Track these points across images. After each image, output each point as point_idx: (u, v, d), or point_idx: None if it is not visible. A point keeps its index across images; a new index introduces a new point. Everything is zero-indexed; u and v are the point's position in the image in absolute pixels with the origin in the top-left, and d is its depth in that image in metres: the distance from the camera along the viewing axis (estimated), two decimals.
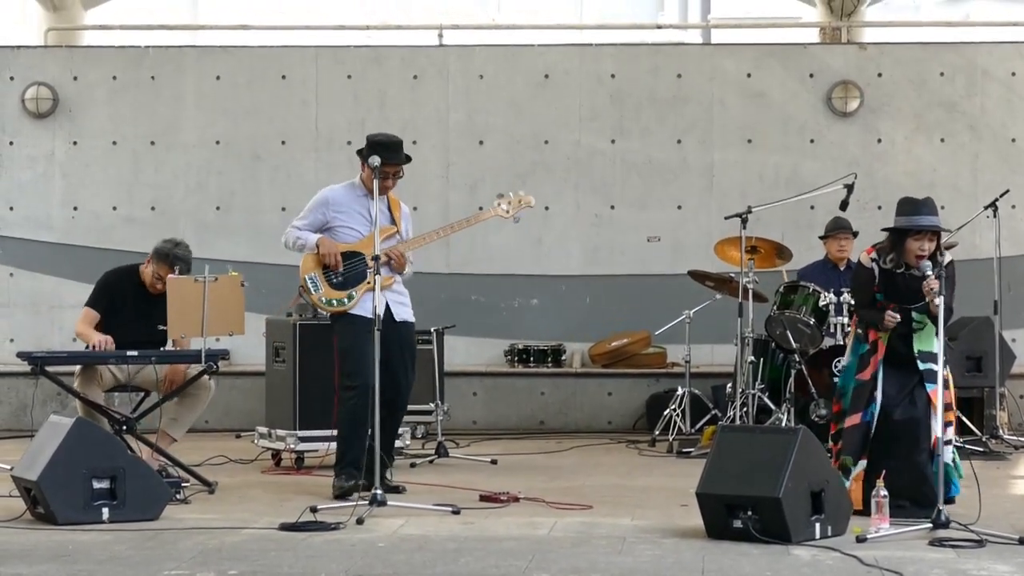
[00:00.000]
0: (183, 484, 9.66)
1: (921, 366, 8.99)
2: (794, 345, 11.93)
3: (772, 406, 12.03)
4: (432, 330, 12.14)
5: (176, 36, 16.82)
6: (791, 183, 14.05)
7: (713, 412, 12.72)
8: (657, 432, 12.77)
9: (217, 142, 14.61)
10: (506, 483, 10.13)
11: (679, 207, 14.47)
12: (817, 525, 8.12)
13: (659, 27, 18.66)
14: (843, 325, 11.81)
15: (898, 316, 8.97)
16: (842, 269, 12.46)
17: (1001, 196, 12.53)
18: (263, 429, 11.57)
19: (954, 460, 9.07)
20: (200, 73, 14.65)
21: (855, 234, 12.54)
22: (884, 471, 8.78)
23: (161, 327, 10.19)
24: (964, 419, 12.16)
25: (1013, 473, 11.20)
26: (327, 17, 17.47)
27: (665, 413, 12.75)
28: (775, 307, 12.07)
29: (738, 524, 8.06)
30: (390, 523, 8.65)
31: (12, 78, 14.65)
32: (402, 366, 9.88)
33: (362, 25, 16.14)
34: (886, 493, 8.43)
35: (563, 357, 14.32)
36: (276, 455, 11.41)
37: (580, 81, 14.55)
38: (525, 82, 14.57)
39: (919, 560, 7.62)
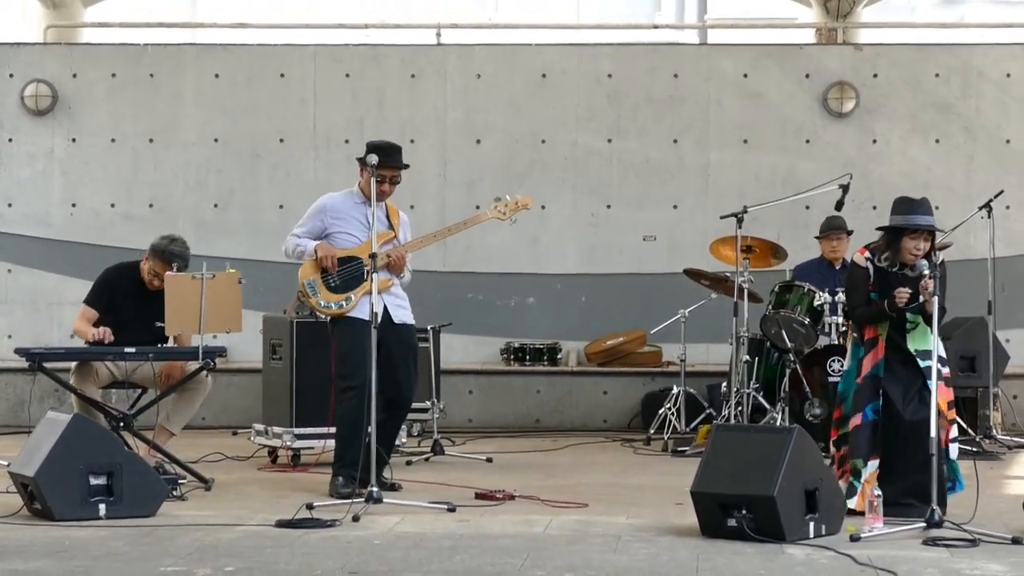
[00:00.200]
0: (180, 481, 9.64)
1: (921, 364, 8.97)
2: (789, 344, 11.92)
3: (767, 405, 12.02)
4: (429, 328, 12.12)
5: (175, 34, 16.83)
6: (787, 183, 14.04)
7: (708, 411, 12.72)
8: (652, 431, 12.77)
9: (216, 140, 14.59)
10: (502, 481, 10.12)
11: (675, 207, 14.46)
12: (811, 524, 8.11)
13: (656, 27, 18.66)
14: (838, 324, 11.81)
15: (908, 290, 8.93)
16: (837, 268, 12.44)
17: (995, 197, 12.55)
18: (260, 426, 11.56)
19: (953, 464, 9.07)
20: (199, 71, 14.63)
21: (849, 233, 12.53)
22: (879, 471, 8.78)
23: (160, 324, 10.19)
24: (958, 419, 12.14)
25: (1007, 473, 11.20)
26: (326, 16, 17.47)
27: (660, 412, 12.75)
28: (770, 306, 12.06)
29: (732, 523, 8.06)
30: (386, 520, 8.64)
31: (11, 75, 14.64)
32: (404, 368, 9.87)
33: (361, 24, 16.15)
34: (880, 492, 8.42)
35: (559, 356, 14.32)
36: (273, 452, 11.41)
37: (577, 81, 14.54)
38: (523, 81, 14.56)
39: (913, 559, 7.61)
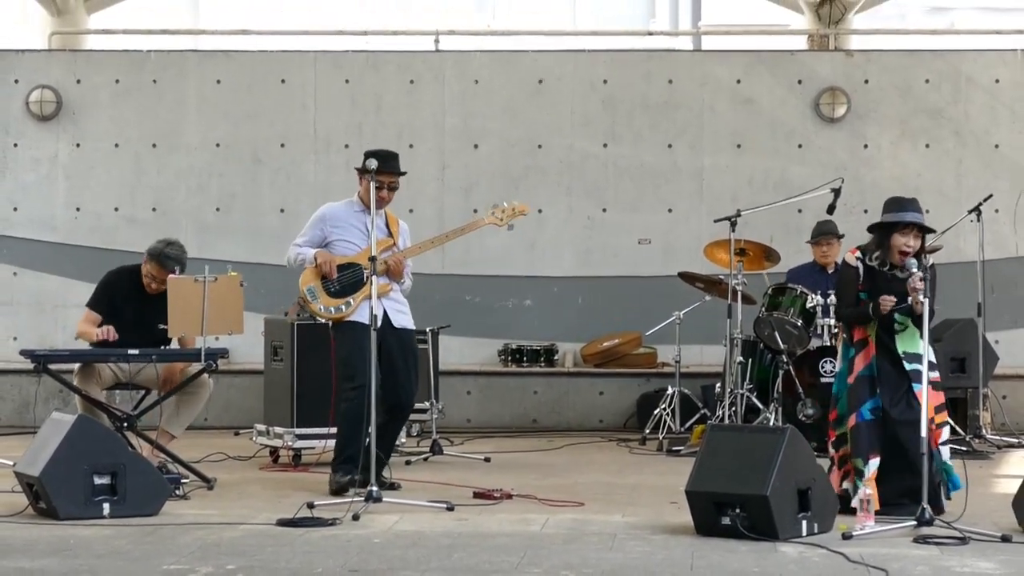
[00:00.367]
0: (182, 480, 9.64)
1: (907, 367, 8.97)
2: (782, 346, 11.92)
3: (760, 406, 12.03)
4: (427, 330, 12.12)
5: (178, 40, 16.81)
6: (779, 187, 14.05)
7: (702, 411, 12.72)
8: (647, 431, 12.77)
9: (218, 145, 14.59)
10: (499, 480, 10.12)
11: (670, 210, 14.47)
12: (804, 522, 8.12)
13: (650, 34, 18.66)
14: (830, 326, 11.82)
15: (893, 298, 8.94)
16: (829, 272, 12.45)
17: (984, 201, 12.54)
18: (261, 427, 11.56)
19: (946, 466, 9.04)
20: (201, 77, 14.64)
21: (840, 238, 12.53)
22: (874, 471, 8.78)
23: (163, 326, 10.19)
24: (949, 421, 12.14)
25: (996, 472, 11.21)
26: (326, 23, 17.48)
27: (655, 412, 12.74)
28: (763, 309, 12.07)
29: (727, 521, 8.06)
30: (385, 519, 8.64)
31: (17, 81, 14.64)
32: (405, 372, 9.88)
33: (360, 31, 16.14)
34: (871, 491, 8.44)
35: (556, 357, 14.32)
36: (274, 452, 11.41)
37: (573, 86, 14.55)
38: (519, 87, 14.56)
39: (903, 557, 7.62)
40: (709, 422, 11.86)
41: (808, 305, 11.87)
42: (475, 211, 13.58)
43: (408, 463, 11.23)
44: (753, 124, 14.44)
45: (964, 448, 11.99)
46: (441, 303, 13.90)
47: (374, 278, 9.31)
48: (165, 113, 14.60)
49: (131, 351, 10.03)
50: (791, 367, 11.95)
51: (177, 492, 9.34)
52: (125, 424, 9.93)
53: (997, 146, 14.35)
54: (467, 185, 14.47)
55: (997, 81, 14.38)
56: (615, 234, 14.45)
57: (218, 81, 14.62)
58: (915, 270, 8.72)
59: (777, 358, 12.06)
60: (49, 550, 7.76)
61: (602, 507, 9.27)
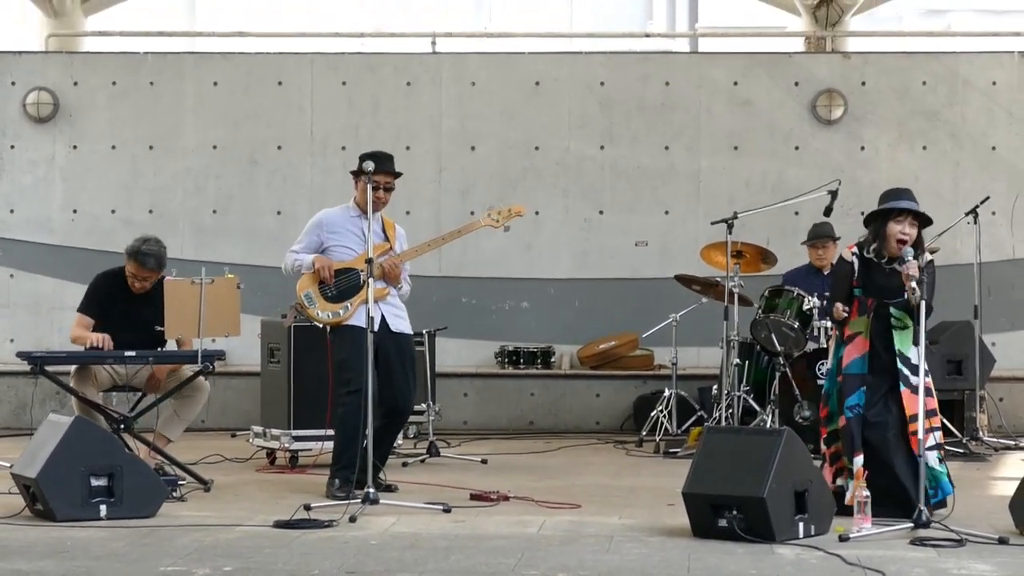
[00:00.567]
0: (179, 482, 9.64)
1: (899, 365, 8.95)
2: (779, 348, 11.92)
3: (757, 408, 12.03)
4: (424, 332, 12.13)
5: (175, 43, 16.83)
6: (777, 189, 14.06)
7: (699, 413, 12.72)
8: (644, 433, 12.77)
9: (214, 147, 14.60)
10: (496, 482, 10.12)
11: (667, 212, 14.48)
12: (801, 524, 8.12)
13: (648, 36, 18.69)
14: (826, 329, 11.81)
15: (847, 311, 8.95)
16: (826, 274, 12.45)
17: (981, 203, 12.56)
18: (258, 428, 11.57)
19: (942, 463, 8.99)
20: (198, 79, 14.64)
21: (836, 240, 12.53)
22: (867, 472, 8.77)
23: (159, 328, 10.18)
24: (945, 421, 12.15)
25: (993, 474, 11.22)
26: (323, 25, 17.48)
27: (652, 414, 12.74)
28: (760, 311, 12.07)
29: (723, 523, 8.06)
30: (382, 521, 8.64)
31: (13, 83, 14.65)
32: (403, 376, 9.87)
33: (357, 33, 16.16)
34: (868, 493, 8.42)
35: (552, 359, 14.32)
36: (271, 454, 11.41)
37: (570, 88, 14.55)
38: (516, 89, 14.57)
39: (900, 559, 7.62)
40: (706, 424, 11.87)
41: (805, 307, 11.87)
42: (472, 213, 13.59)
43: (405, 465, 11.23)
44: (750, 126, 14.46)
45: (961, 450, 12.01)
46: (438, 305, 13.90)
47: (371, 280, 9.31)
48: (162, 115, 14.60)
49: (128, 353, 10.03)
50: (788, 369, 11.95)
51: (174, 494, 9.34)
52: (122, 426, 9.93)
53: (994, 148, 14.36)
54: (464, 187, 14.48)
55: (994, 83, 14.40)
56: (612, 236, 14.46)
57: (215, 83, 14.63)
58: (910, 258, 8.71)
59: (774, 360, 12.06)
60: (46, 552, 7.76)
61: (599, 509, 9.27)
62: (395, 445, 11.07)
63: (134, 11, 16.66)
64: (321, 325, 10.04)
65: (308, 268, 9.92)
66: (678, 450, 12.06)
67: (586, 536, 8.30)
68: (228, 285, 10.04)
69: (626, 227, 14.46)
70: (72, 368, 10.35)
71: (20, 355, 10.08)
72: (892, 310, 8.97)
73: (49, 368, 10.02)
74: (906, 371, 8.90)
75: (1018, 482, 8.45)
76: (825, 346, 11.75)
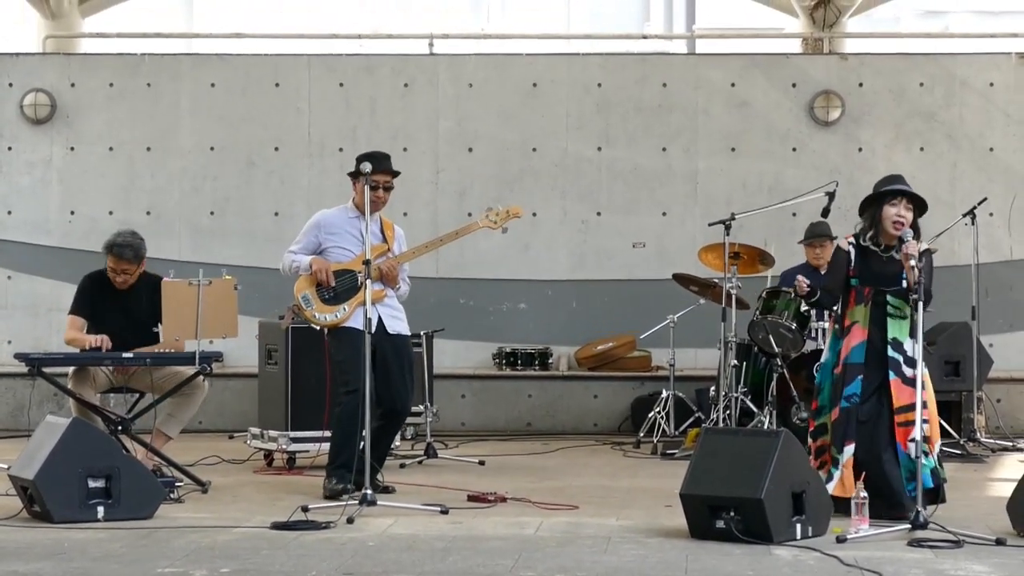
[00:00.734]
0: (177, 484, 9.64)
1: (889, 352, 8.94)
2: (776, 349, 11.93)
3: (754, 409, 12.03)
4: (422, 333, 12.14)
5: (172, 44, 16.81)
6: (774, 191, 14.07)
7: (696, 415, 12.72)
8: (642, 434, 12.78)
9: (212, 148, 14.61)
10: (493, 483, 10.13)
11: (664, 214, 14.48)
12: (798, 526, 8.12)
13: (645, 37, 18.66)
14: (824, 330, 11.82)
15: (806, 284, 9.00)
16: (822, 273, 12.45)
17: (979, 204, 12.57)
18: (255, 430, 11.57)
19: (936, 458, 8.92)
20: (195, 80, 14.65)
21: (833, 239, 12.54)
22: (864, 473, 8.77)
23: (155, 329, 10.19)
24: (943, 422, 12.16)
25: (990, 475, 11.22)
26: (320, 26, 17.47)
27: (650, 415, 12.75)
28: (757, 312, 12.08)
29: (721, 524, 8.06)
30: (380, 522, 8.64)
31: (11, 85, 14.65)
32: (400, 378, 9.86)
33: (354, 34, 16.15)
34: (866, 495, 8.42)
35: (550, 360, 14.32)
36: (268, 455, 11.41)
37: (568, 90, 14.56)
38: (514, 91, 14.58)
39: (898, 560, 7.62)
40: (703, 425, 11.87)
41: (802, 308, 11.88)
42: (469, 214, 13.60)
43: (402, 466, 11.23)
44: (747, 127, 14.47)
45: (958, 451, 12.02)
46: (435, 306, 13.91)
47: (368, 282, 9.31)
48: (159, 116, 14.61)
49: (125, 355, 10.03)
50: (785, 370, 11.96)
51: (171, 495, 9.34)
52: (119, 427, 9.94)
53: (991, 149, 14.38)
54: (461, 188, 14.48)
55: (991, 85, 14.41)
56: (609, 237, 14.46)
57: (212, 84, 14.63)
58: (909, 238, 8.72)
59: (771, 361, 12.06)
60: (43, 553, 7.76)
61: (596, 510, 9.28)
62: (393, 447, 11.07)
63: (131, 12, 16.65)
64: (318, 328, 10.04)
65: (305, 270, 9.92)
66: (675, 451, 12.06)
67: (583, 537, 8.30)
68: (225, 286, 10.04)
69: (623, 228, 14.46)
70: (70, 370, 10.36)
71: (18, 357, 10.07)
72: (889, 298, 8.95)
73: (46, 370, 10.01)
74: (899, 359, 8.88)
75: (1015, 483, 8.45)
76: (823, 347, 11.75)
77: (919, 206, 9.05)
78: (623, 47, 16.90)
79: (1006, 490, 8.73)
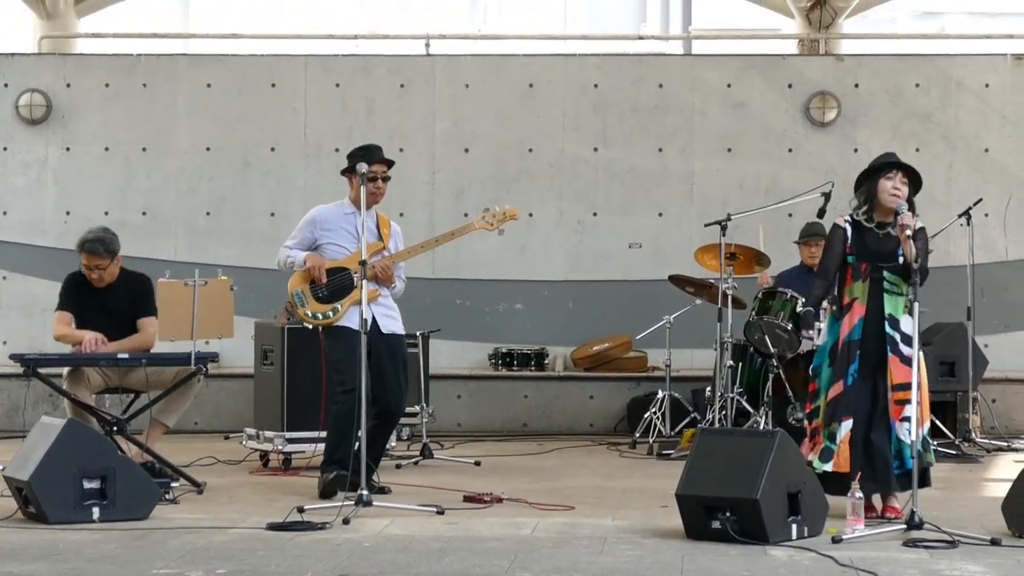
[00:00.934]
0: (172, 484, 9.63)
1: (887, 329, 8.93)
2: (772, 350, 11.94)
3: (750, 409, 12.04)
4: (418, 334, 12.13)
5: (168, 44, 16.82)
6: (770, 191, 14.08)
7: (692, 415, 12.74)
8: (638, 434, 12.78)
9: (208, 148, 14.60)
10: (490, 484, 10.13)
11: (660, 214, 14.49)
12: (794, 526, 8.12)
13: (641, 38, 18.68)
14: (819, 330, 11.80)
15: (815, 337, 9.04)
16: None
17: (974, 205, 12.59)
18: (251, 431, 11.56)
19: (924, 441, 8.84)
20: (191, 81, 14.64)
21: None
22: (860, 474, 8.77)
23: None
24: (938, 423, 12.18)
25: (985, 476, 11.23)
26: (316, 26, 17.47)
27: (645, 416, 12.76)
28: (753, 312, 12.08)
29: (717, 525, 8.06)
30: (376, 523, 8.64)
31: (6, 85, 14.64)
32: (394, 378, 9.85)
33: (350, 34, 16.14)
34: (861, 495, 8.43)
35: (546, 361, 14.32)
36: (264, 456, 11.40)
37: (564, 90, 14.56)
38: (510, 91, 14.58)
39: (893, 560, 7.63)
40: (699, 426, 11.88)
41: (798, 309, 11.87)
42: (466, 215, 13.60)
43: (398, 467, 11.23)
44: (744, 128, 14.47)
45: (954, 452, 12.03)
46: (432, 307, 13.91)
47: (364, 282, 9.31)
48: (155, 117, 14.60)
49: (121, 355, 10.04)
50: (781, 371, 11.96)
51: (167, 496, 9.33)
52: (115, 428, 9.94)
53: (987, 150, 14.38)
54: (458, 189, 14.48)
55: (987, 86, 14.42)
56: (606, 238, 14.47)
57: (208, 85, 14.63)
58: (905, 210, 8.73)
59: (767, 362, 12.07)
60: (39, 554, 7.75)
61: (592, 511, 9.28)
62: (389, 447, 11.07)
63: (127, 13, 16.64)
64: (310, 326, 10.03)
65: (300, 266, 9.90)
66: (671, 452, 12.07)
67: (579, 538, 8.30)
68: (221, 287, 10.04)
69: (620, 229, 14.47)
70: (64, 370, 10.36)
71: (13, 357, 10.08)
72: (886, 274, 8.95)
73: (42, 370, 10.01)
74: (896, 337, 8.87)
75: (1010, 484, 8.46)
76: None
77: (914, 183, 9.06)
78: (619, 48, 16.91)
79: (1001, 490, 8.74)
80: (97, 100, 14.63)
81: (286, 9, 22.72)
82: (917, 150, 14.33)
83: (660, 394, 12.75)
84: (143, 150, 14.60)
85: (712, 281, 12.37)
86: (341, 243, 9.95)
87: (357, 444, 9.31)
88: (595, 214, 14.51)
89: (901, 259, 8.86)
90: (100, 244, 10.50)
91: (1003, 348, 14.13)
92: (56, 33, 15.20)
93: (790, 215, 13.70)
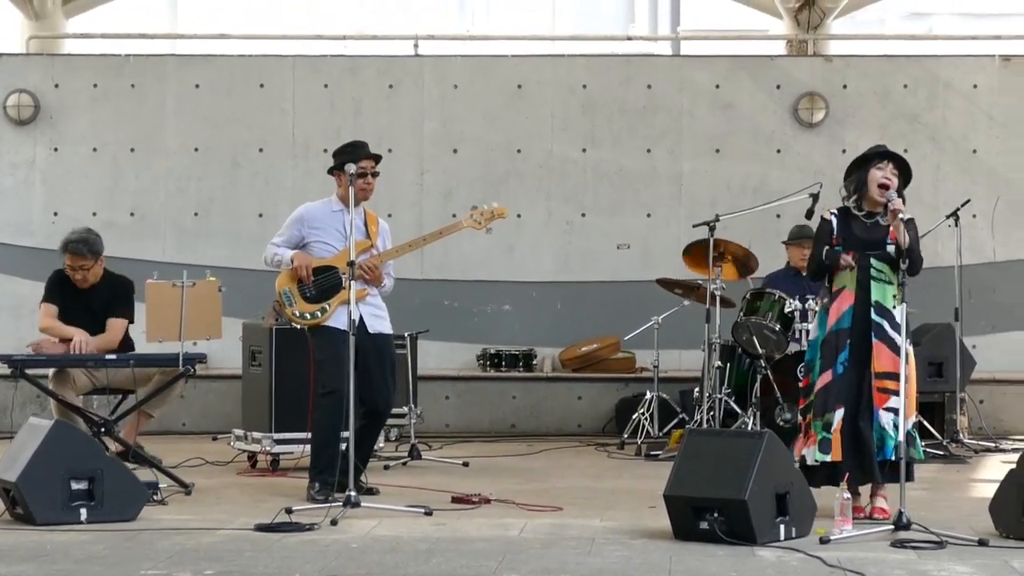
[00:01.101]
0: (160, 485, 9.63)
1: (872, 316, 8.93)
2: (760, 351, 11.96)
3: (738, 410, 12.05)
4: (406, 335, 12.14)
5: (156, 45, 16.79)
6: (758, 192, 14.08)
7: (680, 416, 12.74)
8: (626, 435, 12.78)
9: (196, 149, 14.59)
10: (478, 485, 10.13)
11: (649, 215, 14.49)
12: (782, 527, 8.14)
13: (630, 39, 18.68)
14: (807, 331, 11.84)
15: (853, 263, 8.95)
16: (805, 275, 12.47)
17: (962, 206, 12.60)
18: (239, 432, 11.55)
19: (909, 435, 8.82)
20: (180, 81, 14.63)
21: None
22: (847, 473, 8.77)
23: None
24: (926, 423, 12.20)
25: (973, 476, 11.25)
26: (305, 27, 17.46)
27: (634, 417, 12.77)
28: (741, 313, 12.10)
29: (705, 525, 8.08)
30: (363, 524, 8.65)
31: None
32: (380, 378, 9.83)
33: (339, 35, 16.14)
34: (849, 496, 8.45)
35: (534, 362, 14.32)
36: (252, 457, 11.39)
37: (552, 91, 14.57)
38: (499, 92, 14.58)
39: (881, 561, 7.64)
40: (687, 427, 11.88)
41: (786, 310, 11.91)
42: (454, 216, 13.58)
43: (387, 468, 11.23)
44: (732, 129, 14.48)
45: (941, 452, 12.05)
46: (420, 308, 13.90)
47: (352, 284, 9.31)
48: (143, 117, 14.59)
49: (108, 356, 10.04)
50: (769, 372, 11.98)
51: (155, 497, 9.33)
52: (102, 429, 9.93)
53: (975, 151, 14.41)
54: (446, 190, 14.48)
55: (975, 86, 14.44)
56: (594, 239, 14.47)
57: (197, 85, 14.61)
58: (895, 198, 8.77)
59: (755, 363, 12.09)
60: (26, 555, 7.75)
61: (580, 512, 9.29)
62: (377, 448, 11.07)
63: (116, 13, 16.63)
64: (298, 326, 10.02)
65: (287, 264, 9.88)
66: (659, 452, 12.08)
67: (567, 538, 8.31)
68: (209, 288, 10.04)
69: (608, 229, 14.47)
70: (50, 371, 10.36)
71: (0, 358, 10.06)
72: (873, 261, 8.97)
73: (29, 371, 10.01)
74: (883, 323, 8.88)
75: (998, 484, 8.48)
76: (806, 348, 11.76)
77: (904, 175, 9.09)
78: (608, 48, 16.91)
79: (989, 491, 8.76)
80: (85, 100, 14.62)
81: (274, 10, 22.73)
82: (905, 151, 14.22)
83: (648, 395, 12.76)
84: (131, 150, 14.58)
85: (700, 282, 12.37)
86: (329, 241, 9.93)
87: (344, 445, 9.31)
88: (583, 215, 14.52)
89: (890, 248, 8.89)
90: (84, 245, 10.52)
91: (991, 349, 14.15)
92: (44, 33, 15.18)
93: (778, 216, 13.71)
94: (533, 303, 14.51)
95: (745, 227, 13.56)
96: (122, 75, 14.62)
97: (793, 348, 11.99)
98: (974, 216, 13.84)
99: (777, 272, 12.73)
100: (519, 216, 14.25)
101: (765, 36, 16.19)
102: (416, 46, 14.82)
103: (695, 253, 12.36)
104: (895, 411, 8.78)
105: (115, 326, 10.65)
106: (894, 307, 8.83)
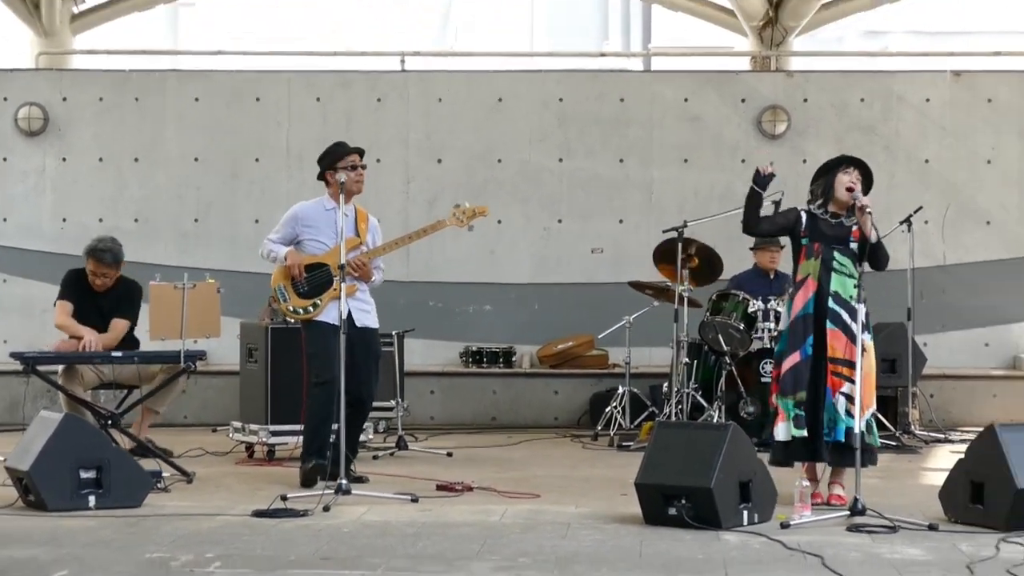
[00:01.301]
0: (163, 474, 9.66)
1: (829, 303, 8.97)
2: (725, 348, 12.01)
3: (705, 404, 12.10)
4: (393, 333, 12.16)
5: (158, 60, 16.84)
6: (724, 199, 14.10)
7: (651, 409, 12.77)
8: (599, 427, 12.81)
9: (196, 159, 14.61)
10: (461, 474, 10.16)
11: (621, 221, 14.54)
12: (745, 512, 8.18)
13: (603, 55, 18.74)
14: (770, 330, 11.91)
15: (771, 167, 9.15)
16: (771, 277, 12.55)
17: (915, 212, 12.65)
18: (237, 424, 11.58)
19: (865, 423, 8.82)
20: (181, 95, 14.64)
21: (782, 247, 12.60)
22: (806, 464, 8.84)
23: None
24: (880, 416, 12.25)
25: (924, 465, 11.31)
26: (298, 44, 17.49)
27: (607, 410, 12.79)
28: (708, 313, 12.15)
29: (673, 512, 8.11)
30: (354, 510, 8.68)
31: (6, 99, 14.63)
32: (364, 369, 9.86)
33: (330, 51, 16.17)
34: (808, 483, 8.51)
35: (513, 358, 14.35)
36: (249, 448, 11.42)
37: (530, 104, 14.61)
38: (480, 105, 14.62)
39: (837, 544, 7.69)
40: (657, 419, 11.92)
41: (750, 310, 11.97)
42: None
43: (375, 458, 11.26)
44: (699, 140, 14.53)
45: (894, 443, 12.11)
46: (406, 308, 13.93)
47: (343, 285, 9.35)
48: (146, 129, 14.60)
49: (115, 353, 10.08)
50: (734, 368, 12.03)
51: (158, 485, 9.36)
52: (109, 422, 9.96)
53: (927, 161, 14.48)
54: (431, 197, 14.51)
55: (927, 100, 14.51)
56: (569, 243, 14.51)
57: (196, 99, 14.63)
58: (861, 198, 8.84)
59: (720, 359, 12.14)
60: (38, 540, 7.77)
61: (557, 498, 9.32)
62: (366, 440, 11.11)
63: (120, 30, 16.64)
64: (292, 320, 10.07)
65: (280, 261, 9.94)
66: (631, 444, 12.12)
67: (544, 524, 8.35)
68: (209, 290, 10.08)
69: (583, 234, 14.51)
70: (60, 368, 10.39)
71: (13, 355, 10.09)
72: (836, 254, 9.02)
73: (40, 368, 10.04)
74: (839, 310, 8.91)
75: (947, 473, 8.54)
76: (769, 346, 11.83)
77: (867, 181, 9.17)
78: (583, 64, 16.97)
79: (938, 479, 8.82)
80: (92, 113, 14.63)
81: (270, 27, 22.73)
82: None
83: (620, 390, 12.79)
84: (135, 160, 14.60)
85: (669, 284, 12.42)
86: (321, 239, 9.98)
87: (334, 436, 9.35)
88: (560, 221, 14.56)
89: (853, 245, 8.96)
90: (109, 255, 10.58)
91: (940, 347, 14.22)
92: (53, 50, 15.20)
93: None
94: (512, 303, 14.55)
95: (711, 232, 13.59)
96: (126, 89, 14.63)
97: (756, 346, 12.05)
98: (926, 222, 13.90)
99: (743, 273, 12.77)
100: (499, 222, 14.29)
101: (731, 53, 16.24)
102: (403, 62, 14.86)
103: (666, 255, 12.35)
104: (848, 397, 8.83)
105: (117, 326, 10.71)
106: (851, 297, 8.89)
